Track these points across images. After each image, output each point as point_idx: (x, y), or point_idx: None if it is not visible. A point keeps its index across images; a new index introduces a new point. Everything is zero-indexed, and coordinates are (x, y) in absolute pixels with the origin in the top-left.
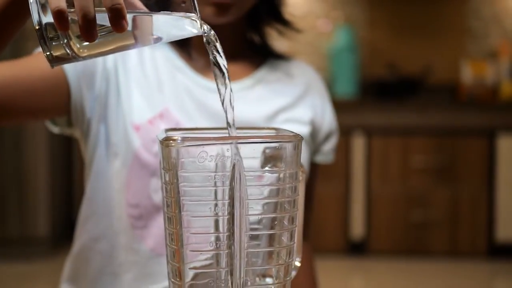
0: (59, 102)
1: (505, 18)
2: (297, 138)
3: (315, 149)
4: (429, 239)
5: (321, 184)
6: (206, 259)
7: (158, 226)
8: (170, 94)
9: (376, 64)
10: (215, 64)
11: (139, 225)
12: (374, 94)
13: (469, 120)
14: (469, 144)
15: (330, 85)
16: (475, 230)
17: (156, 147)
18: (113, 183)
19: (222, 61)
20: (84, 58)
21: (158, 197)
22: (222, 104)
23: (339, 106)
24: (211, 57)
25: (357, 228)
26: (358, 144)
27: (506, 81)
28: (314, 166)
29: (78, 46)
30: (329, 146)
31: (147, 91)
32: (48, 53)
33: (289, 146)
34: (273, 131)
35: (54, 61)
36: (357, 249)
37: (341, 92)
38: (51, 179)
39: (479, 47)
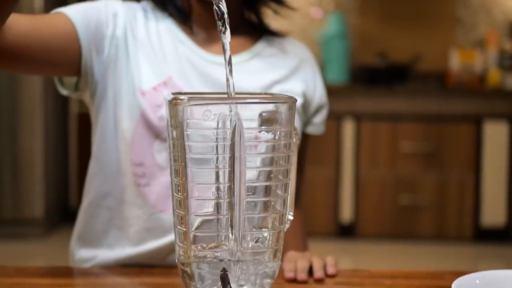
0: (70, 61)
1: (493, 7)
2: (291, 100)
3: (306, 121)
4: (416, 223)
5: (311, 169)
6: (208, 212)
7: (160, 184)
8: (174, 64)
9: (366, 51)
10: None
11: (143, 183)
12: (364, 80)
13: (456, 107)
14: (457, 130)
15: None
16: (461, 215)
17: (161, 112)
18: (119, 143)
19: (223, 6)
20: None
21: (161, 157)
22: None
23: (329, 91)
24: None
25: (346, 211)
26: (348, 129)
27: (493, 69)
28: (305, 137)
29: None
30: (320, 118)
31: (153, 60)
32: None
33: (284, 108)
34: (269, 95)
35: None
36: (346, 232)
37: (332, 78)
38: (46, 160)
39: (467, 35)
